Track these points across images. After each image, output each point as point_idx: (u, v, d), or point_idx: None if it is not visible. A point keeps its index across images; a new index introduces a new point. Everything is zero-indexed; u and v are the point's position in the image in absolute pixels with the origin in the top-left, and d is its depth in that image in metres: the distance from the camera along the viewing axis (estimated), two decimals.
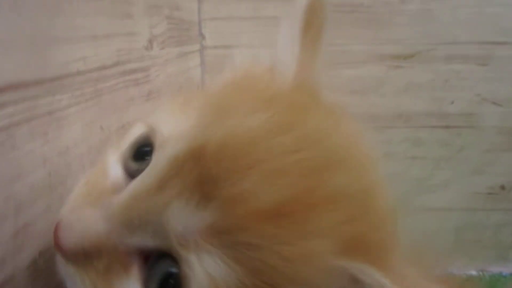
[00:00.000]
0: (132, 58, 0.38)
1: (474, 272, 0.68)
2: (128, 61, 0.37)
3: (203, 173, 0.18)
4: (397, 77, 0.64)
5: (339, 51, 0.63)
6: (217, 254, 0.18)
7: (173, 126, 0.21)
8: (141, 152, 0.22)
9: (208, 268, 0.18)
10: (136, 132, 0.23)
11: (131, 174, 0.22)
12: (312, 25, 0.26)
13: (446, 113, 0.66)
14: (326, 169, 0.19)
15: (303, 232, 0.18)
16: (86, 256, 0.19)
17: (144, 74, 0.41)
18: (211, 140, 0.19)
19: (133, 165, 0.22)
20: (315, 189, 0.19)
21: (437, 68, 0.64)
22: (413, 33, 0.63)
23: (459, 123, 0.66)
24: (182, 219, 0.18)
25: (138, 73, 0.39)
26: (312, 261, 0.18)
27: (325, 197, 0.19)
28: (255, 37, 0.61)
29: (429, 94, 0.65)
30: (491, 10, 0.63)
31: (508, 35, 0.63)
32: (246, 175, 0.18)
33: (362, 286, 0.17)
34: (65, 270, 0.20)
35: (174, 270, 0.19)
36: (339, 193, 0.19)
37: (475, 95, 0.65)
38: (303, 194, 0.18)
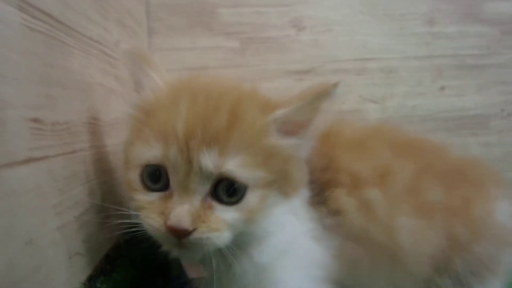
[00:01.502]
0: None
1: None
2: None
3: (195, 142, 0.35)
4: (301, 86, 0.87)
5: (259, 70, 0.87)
6: (234, 155, 0.35)
7: (150, 147, 0.36)
8: (154, 177, 0.37)
9: (235, 161, 0.35)
10: (135, 175, 0.38)
11: (158, 189, 0.37)
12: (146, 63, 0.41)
13: (341, 110, 0.89)
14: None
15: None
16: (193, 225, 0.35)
17: None
18: (182, 136, 0.35)
19: (155, 185, 0.37)
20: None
21: (328, 79, 0.89)
22: (308, 55, 0.88)
23: (351, 117, 0.90)
24: (209, 158, 0.34)
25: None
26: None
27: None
28: (193, 62, 0.83)
29: None
30: (360, 37, 0.90)
31: (373, 53, 0.90)
32: (200, 134, 0.35)
33: None
34: (192, 240, 0.34)
35: (231, 183, 0.35)
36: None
37: (358, 96, 0.90)
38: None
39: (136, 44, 0.41)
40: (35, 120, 0.37)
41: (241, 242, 0.38)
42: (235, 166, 0.35)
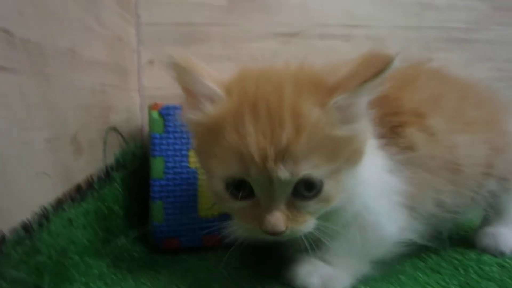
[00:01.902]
0: None
1: None
2: None
3: (271, 162, 0.37)
4: (287, 49, 0.88)
5: (245, 30, 0.87)
6: (306, 159, 0.38)
7: (229, 166, 0.39)
8: (238, 187, 0.40)
9: (309, 164, 0.38)
10: (220, 186, 0.41)
11: (245, 197, 0.40)
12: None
13: None
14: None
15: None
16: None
17: None
18: (259, 160, 0.37)
19: (241, 193, 0.40)
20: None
21: (315, 43, 0.90)
22: (295, 19, 0.89)
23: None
24: (286, 171, 0.37)
25: None
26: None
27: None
28: (179, 18, 0.84)
29: None
30: (348, 3, 0.90)
31: (361, 20, 0.90)
32: (273, 153, 0.37)
33: None
34: (285, 235, 0.40)
35: (309, 181, 0.39)
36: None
37: None
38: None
39: (177, 54, 0.40)
40: (5, 31, 0.38)
41: (324, 216, 0.43)
42: (309, 169, 0.38)
